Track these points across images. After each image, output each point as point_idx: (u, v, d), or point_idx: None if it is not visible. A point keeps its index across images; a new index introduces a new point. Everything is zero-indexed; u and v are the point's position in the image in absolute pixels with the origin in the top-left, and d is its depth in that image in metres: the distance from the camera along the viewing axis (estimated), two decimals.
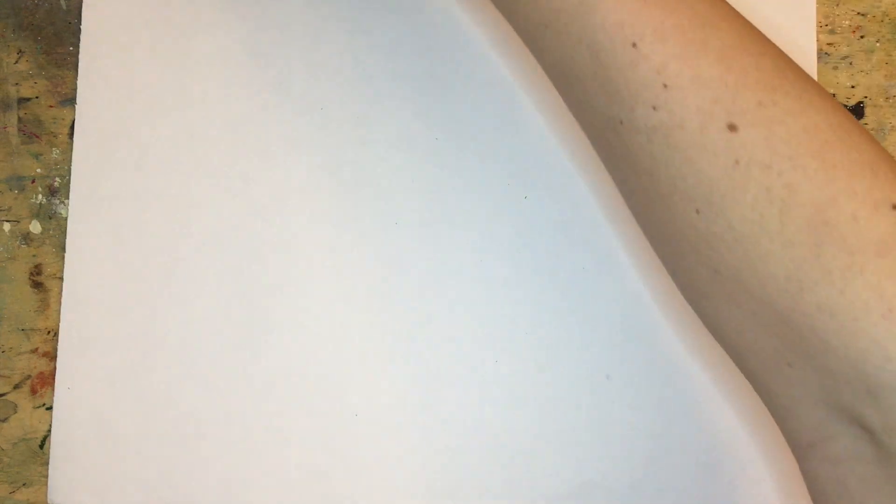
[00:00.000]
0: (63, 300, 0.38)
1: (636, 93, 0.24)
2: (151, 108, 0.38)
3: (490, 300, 0.37)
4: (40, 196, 0.39)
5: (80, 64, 0.39)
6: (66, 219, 0.38)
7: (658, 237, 0.26)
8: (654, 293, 0.37)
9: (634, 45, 0.23)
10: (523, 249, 0.37)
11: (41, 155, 0.39)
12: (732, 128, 0.23)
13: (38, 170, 0.39)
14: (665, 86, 0.23)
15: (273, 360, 0.37)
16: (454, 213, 0.37)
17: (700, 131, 0.23)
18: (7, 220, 0.39)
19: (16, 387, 0.38)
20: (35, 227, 0.39)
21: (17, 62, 0.39)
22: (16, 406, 0.38)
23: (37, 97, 0.39)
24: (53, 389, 0.38)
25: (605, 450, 0.36)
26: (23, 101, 0.39)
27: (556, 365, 0.37)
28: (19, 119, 0.39)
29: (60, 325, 0.38)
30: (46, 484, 0.37)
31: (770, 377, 0.25)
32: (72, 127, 0.39)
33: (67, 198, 0.38)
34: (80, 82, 0.39)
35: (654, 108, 0.23)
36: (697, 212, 0.24)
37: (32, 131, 0.39)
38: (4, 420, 0.38)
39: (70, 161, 0.38)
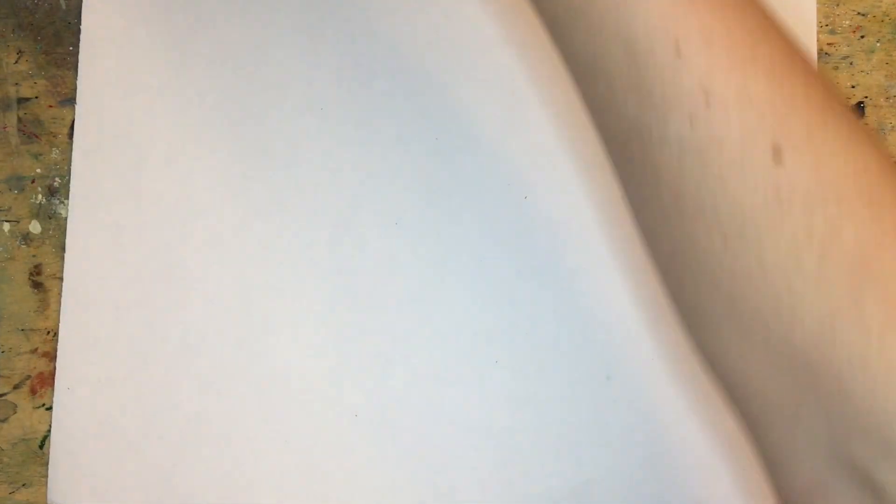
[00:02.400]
0: (63, 300, 0.38)
1: (673, 101, 0.21)
2: (151, 108, 0.38)
3: (490, 300, 0.37)
4: (40, 196, 0.39)
5: (79, 64, 0.39)
6: (65, 219, 0.38)
7: (670, 262, 0.24)
8: (654, 293, 0.37)
9: (678, 48, 0.21)
10: (523, 249, 0.37)
11: (41, 155, 0.39)
12: (777, 155, 0.21)
13: (38, 170, 0.39)
14: (707, 98, 0.21)
15: (273, 360, 0.37)
16: (454, 213, 0.37)
17: (741, 154, 0.21)
18: (7, 220, 0.39)
19: (15, 387, 0.38)
20: (35, 227, 0.39)
21: (16, 62, 0.39)
22: (15, 406, 0.38)
23: (36, 97, 0.39)
24: (53, 390, 0.38)
25: (605, 450, 0.36)
26: (22, 101, 0.39)
27: (556, 365, 0.37)
28: (19, 119, 0.39)
29: (60, 325, 0.38)
30: (46, 484, 0.37)
31: (772, 424, 0.23)
32: (71, 127, 0.39)
33: (67, 198, 0.38)
34: (79, 82, 0.39)
35: (692, 121, 0.21)
36: (724, 242, 0.21)
37: (32, 131, 0.39)
38: (4, 420, 0.38)
39: (70, 161, 0.38)
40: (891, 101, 0.38)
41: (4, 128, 0.39)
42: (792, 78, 0.21)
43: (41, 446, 0.38)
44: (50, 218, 0.39)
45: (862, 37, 0.38)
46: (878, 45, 0.38)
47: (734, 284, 0.22)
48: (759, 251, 0.21)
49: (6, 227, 0.39)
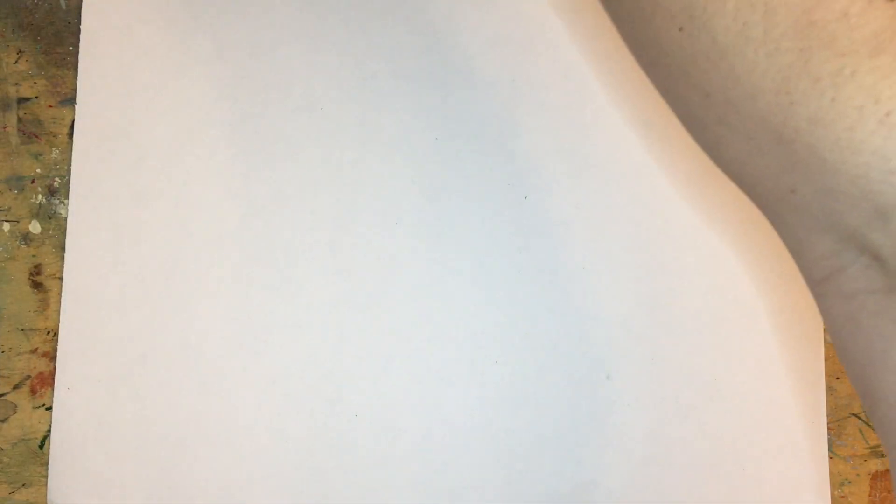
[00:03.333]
0: (63, 300, 0.38)
1: None
2: (151, 108, 0.38)
3: (490, 300, 0.37)
4: (40, 196, 0.39)
5: (79, 64, 0.39)
6: (65, 219, 0.38)
7: (648, 64, 0.25)
8: (654, 293, 0.37)
9: None
10: (523, 249, 0.37)
11: (41, 155, 0.39)
12: None
13: (38, 170, 0.39)
14: None
15: (273, 360, 0.37)
16: (454, 213, 0.37)
17: None
18: (7, 221, 0.39)
19: (15, 387, 0.38)
20: (35, 227, 0.39)
21: (16, 62, 0.39)
22: (15, 406, 0.38)
23: (36, 97, 0.39)
24: (53, 390, 0.38)
25: (605, 450, 0.36)
26: (22, 101, 0.39)
27: (556, 365, 0.37)
28: (19, 119, 0.39)
29: (60, 325, 0.38)
30: (46, 484, 0.37)
31: (780, 212, 0.23)
32: (71, 127, 0.39)
33: (67, 198, 0.38)
34: (79, 82, 0.39)
35: None
36: (681, 29, 0.22)
37: (32, 131, 0.39)
38: (4, 420, 0.38)
39: (70, 161, 0.38)
40: None
41: (4, 128, 0.39)
42: None
43: (41, 446, 0.38)
44: (50, 218, 0.39)
45: None
46: None
47: (700, 71, 0.22)
48: (711, 31, 0.22)
49: (6, 227, 0.39)
